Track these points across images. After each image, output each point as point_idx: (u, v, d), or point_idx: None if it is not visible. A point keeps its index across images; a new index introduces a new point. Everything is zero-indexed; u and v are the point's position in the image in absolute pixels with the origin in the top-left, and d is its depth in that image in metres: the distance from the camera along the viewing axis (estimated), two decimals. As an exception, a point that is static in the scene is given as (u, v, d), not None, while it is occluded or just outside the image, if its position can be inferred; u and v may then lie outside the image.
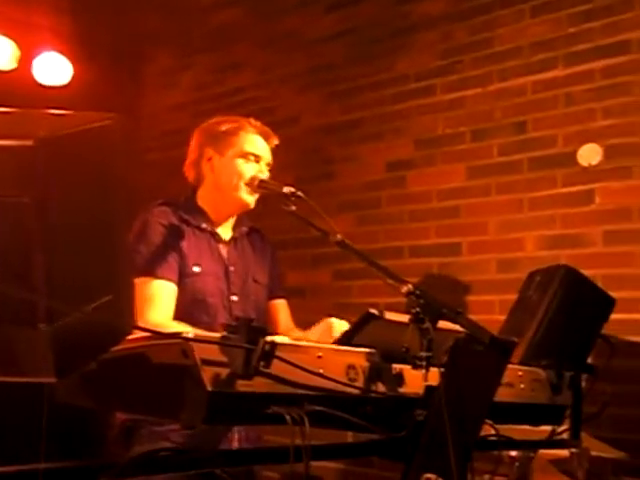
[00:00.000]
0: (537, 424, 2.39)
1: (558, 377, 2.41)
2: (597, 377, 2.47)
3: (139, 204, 2.38)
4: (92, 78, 4.78)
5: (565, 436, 2.44)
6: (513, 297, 2.72)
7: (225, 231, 2.86)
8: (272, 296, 2.96)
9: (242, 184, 2.72)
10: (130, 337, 1.55)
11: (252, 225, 2.96)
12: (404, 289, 1.90)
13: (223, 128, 2.78)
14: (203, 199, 2.82)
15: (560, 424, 2.43)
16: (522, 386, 2.26)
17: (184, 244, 2.69)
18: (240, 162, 2.74)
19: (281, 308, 2.98)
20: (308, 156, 4.72)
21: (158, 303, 2.55)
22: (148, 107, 5.62)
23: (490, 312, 3.82)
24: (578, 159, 3.69)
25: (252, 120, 2.82)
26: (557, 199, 3.82)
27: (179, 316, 2.59)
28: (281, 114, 4.80)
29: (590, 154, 3.68)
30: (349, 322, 2.32)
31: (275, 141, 2.82)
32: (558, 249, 3.77)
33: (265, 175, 2.75)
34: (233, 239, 2.87)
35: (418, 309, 1.81)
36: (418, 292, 1.87)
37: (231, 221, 2.87)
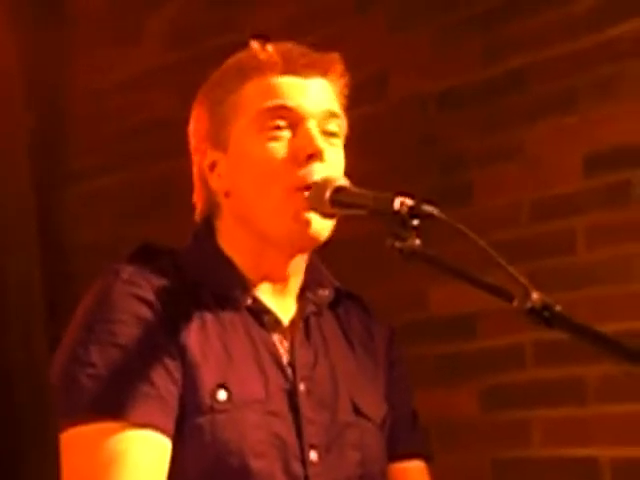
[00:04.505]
0: None
1: None
2: None
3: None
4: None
5: None
6: None
7: (284, 304, 1.46)
8: (398, 451, 1.51)
9: (282, 188, 1.38)
10: None
11: (341, 286, 1.52)
12: None
13: (218, 90, 1.44)
14: (227, 241, 1.47)
15: None
16: None
17: (191, 340, 1.36)
18: (262, 141, 1.39)
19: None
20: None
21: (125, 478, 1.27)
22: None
23: None
24: None
25: (266, 48, 1.41)
26: None
27: None
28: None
29: None
30: None
31: (336, 69, 1.43)
32: None
33: (336, 166, 1.40)
34: (302, 321, 1.46)
35: None
36: None
37: (294, 282, 1.46)
